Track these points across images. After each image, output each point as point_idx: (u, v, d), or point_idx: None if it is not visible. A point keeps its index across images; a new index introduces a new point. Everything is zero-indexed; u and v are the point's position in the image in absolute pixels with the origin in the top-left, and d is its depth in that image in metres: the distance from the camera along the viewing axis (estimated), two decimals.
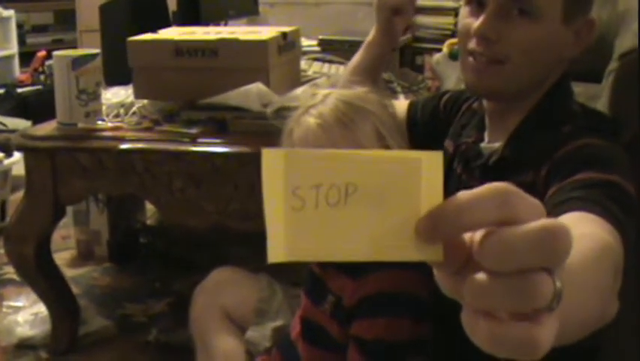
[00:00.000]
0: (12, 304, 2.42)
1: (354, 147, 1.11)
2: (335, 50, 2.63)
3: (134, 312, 2.40)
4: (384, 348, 1.14)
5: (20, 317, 2.32)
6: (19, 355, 2.14)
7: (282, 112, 1.70)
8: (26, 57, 5.07)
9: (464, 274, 0.46)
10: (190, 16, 2.58)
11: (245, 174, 1.82)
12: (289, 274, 1.68)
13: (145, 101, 2.05)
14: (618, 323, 0.74)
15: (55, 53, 1.99)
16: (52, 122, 2.01)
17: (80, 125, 1.94)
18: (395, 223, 0.47)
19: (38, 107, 3.98)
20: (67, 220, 2.56)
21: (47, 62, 4.50)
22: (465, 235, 0.47)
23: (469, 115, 1.30)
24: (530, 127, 1.15)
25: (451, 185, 1.18)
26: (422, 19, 4.16)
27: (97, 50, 2.01)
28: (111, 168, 1.90)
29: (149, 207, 2.93)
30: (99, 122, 1.98)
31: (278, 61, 1.99)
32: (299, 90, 1.96)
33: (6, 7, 5.12)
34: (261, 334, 1.47)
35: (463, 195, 0.46)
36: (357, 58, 1.60)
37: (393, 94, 2.20)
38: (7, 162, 3.12)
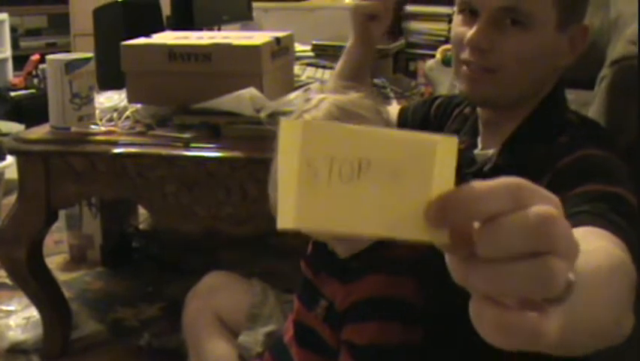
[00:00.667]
0: (4, 308, 2.42)
1: None
2: (328, 55, 2.63)
3: (127, 316, 2.39)
4: (375, 352, 1.14)
5: (12, 321, 2.31)
6: (10, 359, 2.14)
7: (276, 117, 1.71)
8: (20, 61, 5.07)
9: (475, 262, 0.46)
10: (184, 20, 2.59)
11: (237, 179, 1.82)
12: (282, 280, 1.69)
13: (138, 106, 2.05)
14: None
15: (49, 56, 1.99)
16: (46, 125, 2.01)
17: (73, 129, 1.94)
18: (405, 203, 0.47)
19: (31, 110, 3.97)
20: (59, 224, 2.55)
21: (41, 66, 4.50)
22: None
23: (460, 120, 1.30)
24: (525, 135, 1.15)
25: None
26: (415, 25, 4.17)
27: (90, 54, 2.02)
28: (104, 172, 1.90)
29: (142, 211, 2.93)
30: (92, 127, 1.98)
31: (271, 66, 1.99)
32: (292, 95, 1.96)
33: (0, 11, 5.11)
34: (253, 339, 1.47)
35: (477, 184, 0.46)
36: (339, 65, 1.59)
37: (387, 100, 2.21)
38: None
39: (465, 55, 1.13)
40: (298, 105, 1.24)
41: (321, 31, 3.07)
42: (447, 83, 2.39)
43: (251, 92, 1.87)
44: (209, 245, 2.83)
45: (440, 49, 3.07)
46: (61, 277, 2.56)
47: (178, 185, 1.87)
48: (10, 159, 3.02)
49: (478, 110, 1.23)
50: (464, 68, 1.15)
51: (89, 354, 2.18)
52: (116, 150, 1.87)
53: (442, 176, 0.47)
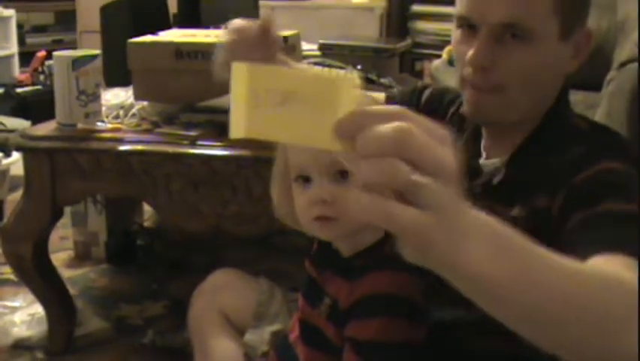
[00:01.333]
0: (9, 304, 2.42)
1: None
2: (335, 54, 2.63)
3: (131, 314, 2.40)
4: (378, 349, 1.14)
5: (17, 318, 2.32)
6: (15, 355, 2.14)
7: None
8: (26, 57, 5.07)
9: (360, 160, 0.59)
10: (190, 18, 2.59)
11: (243, 178, 1.82)
12: (286, 279, 1.69)
13: (144, 103, 2.05)
14: None
15: (56, 53, 2.00)
16: (52, 122, 2.01)
17: (80, 126, 1.94)
18: (320, 121, 0.61)
19: (38, 107, 3.97)
20: (65, 221, 2.55)
21: (47, 63, 4.49)
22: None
23: (457, 122, 1.26)
24: (535, 145, 1.12)
25: None
26: (422, 25, 4.18)
27: (97, 51, 2.02)
28: (110, 169, 1.90)
29: (147, 209, 2.93)
30: (98, 124, 1.98)
31: None
32: None
33: (6, 7, 5.12)
34: (259, 337, 1.47)
35: (368, 108, 0.59)
36: None
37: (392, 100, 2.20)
38: (5, 161, 3.12)
39: (468, 73, 1.11)
40: None
41: (328, 30, 3.07)
42: (453, 83, 2.38)
43: None
44: (215, 243, 2.83)
45: (446, 49, 3.07)
46: (65, 273, 2.56)
47: (184, 183, 1.87)
48: (16, 156, 3.02)
49: None
50: (468, 87, 1.12)
51: (93, 351, 2.18)
52: (122, 148, 1.87)
53: (347, 102, 0.61)
